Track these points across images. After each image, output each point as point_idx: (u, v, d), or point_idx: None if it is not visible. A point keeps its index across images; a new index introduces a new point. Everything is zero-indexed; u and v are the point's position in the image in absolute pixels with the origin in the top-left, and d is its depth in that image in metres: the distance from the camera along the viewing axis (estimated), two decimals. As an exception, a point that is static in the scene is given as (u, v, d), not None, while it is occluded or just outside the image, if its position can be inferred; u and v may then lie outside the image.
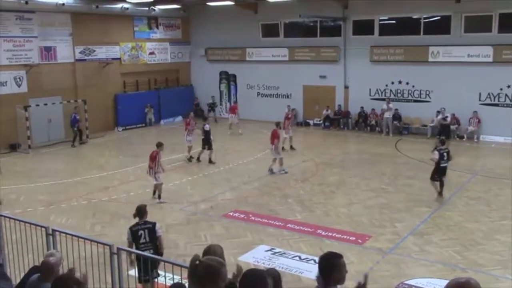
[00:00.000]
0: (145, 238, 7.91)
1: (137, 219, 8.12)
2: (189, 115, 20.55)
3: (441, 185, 13.83)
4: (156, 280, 8.02)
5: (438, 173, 13.75)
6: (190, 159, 18.68)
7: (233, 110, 25.09)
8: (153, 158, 13.92)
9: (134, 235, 7.91)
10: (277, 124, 17.64)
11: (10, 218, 8.12)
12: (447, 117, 21.30)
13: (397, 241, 11.00)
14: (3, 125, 21.01)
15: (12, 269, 7.65)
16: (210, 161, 18.29)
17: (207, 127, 18.40)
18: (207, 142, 18.36)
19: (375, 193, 14.62)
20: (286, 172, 16.77)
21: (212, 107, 28.71)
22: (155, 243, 7.98)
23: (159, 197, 14.05)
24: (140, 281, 7.86)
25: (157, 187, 14.11)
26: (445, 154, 13.64)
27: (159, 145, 14.26)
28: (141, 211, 8.14)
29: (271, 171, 16.82)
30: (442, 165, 13.65)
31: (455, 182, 15.33)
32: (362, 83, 24.70)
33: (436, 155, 13.65)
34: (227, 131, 24.09)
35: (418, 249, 10.55)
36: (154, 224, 8.07)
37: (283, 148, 19.26)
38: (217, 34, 28.30)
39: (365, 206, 13.51)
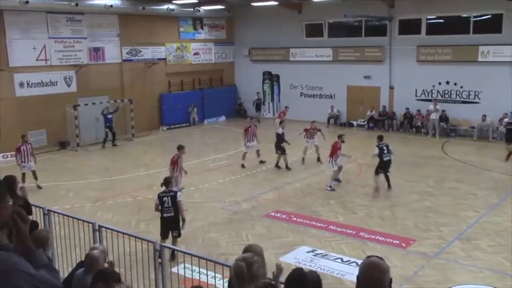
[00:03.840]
0: (168, 203, 9.97)
1: (164, 188, 10.14)
2: (250, 121, 19.54)
3: (387, 179, 14.67)
4: (176, 237, 10.18)
5: (382, 167, 14.51)
6: (262, 161, 17.98)
7: (282, 115, 24.14)
8: (174, 162, 13.34)
9: (160, 200, 10.02)
10: (339, 136, 15.73)
11: (59, 213, 8.39)
12: None
13: (442, 245, 10.73)
14: (53, 124, 21.75)
15: (60, 263, 7.88)
16: (277, 166, 17.49)
17: (280, 130, 17.66)
18: (279, 147, 17.44)
19: (420, 196, 14.30)
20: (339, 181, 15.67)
21: (258, 105, 28.44)
22: (176, 207, 9.97)
23: None
24: (161, 236, 9.89)
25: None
26: (384, 148, 14.54)
27: (180, 148, 13.65)
28: (167, 181, 10.26)
29: (338, 180, 15.55)
30: (385, 159, 14.48)
31: (504, 187, 14.82)
32: (408, 83, 24.22)
33: (376, 150, 14.50)
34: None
35: (464, 254, 10.25)
36: (176, 192, 10.14)
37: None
38: (260, 34, 28.37)
39: (409, 209, 13.24)
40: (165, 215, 10.07)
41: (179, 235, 10.21)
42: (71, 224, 8.02)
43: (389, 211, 13.12)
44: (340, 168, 15.38)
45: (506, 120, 20.87)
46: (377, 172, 14.55)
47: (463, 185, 15.25)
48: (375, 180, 14.55)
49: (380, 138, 15.07)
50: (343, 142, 15.62)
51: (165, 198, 10.00)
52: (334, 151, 15.18)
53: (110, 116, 22.24)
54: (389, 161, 14.66)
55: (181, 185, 13.46)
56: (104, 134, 22.29)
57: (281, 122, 18.03)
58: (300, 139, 18.62)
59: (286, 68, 28.33)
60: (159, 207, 10.09)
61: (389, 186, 14.75)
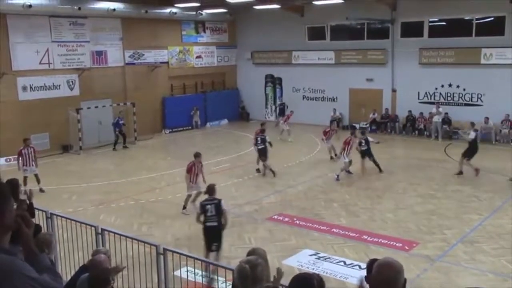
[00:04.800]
0: (211, 211, 9.28)
1: (207, 196, 9.56)
2: (330, 126, 20.24)
3: (376, 164, 17.16)
4: (218, 251, 9.38)
5: (362, 155, 17.20)
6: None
7: (287, 118, 24.14)
8: (189, 169, 13.24)
9: (203, 208, 9.36)
10: (352, 132, 17.61)
11: (62, 217, 8.40)
12: None
13: (446, 248, 10.71)
14: (56, 127, 21.80)
15: (62, 267, 7.89)
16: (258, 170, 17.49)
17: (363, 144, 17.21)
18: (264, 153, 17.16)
19: (423, 198, 14.28)
20: (338, 178, 16.47)
21: (282, 110, 27.86)
22: (220, 217, 9.29)
23: (184, 207, 13.30)
24: (206, 248, 9.41)
25: (191, 196, 13.27)
26: (363, 141, 17.11)
27: (196, 155, 13.46)
28: (210, 189, 9.59)
29: (349, 172, 16.96)
30: (362, 148, 17.13)
31: (507, 189, 14.78)
32: (410, 86, 24.21)
33: (356, 143, 17.14)
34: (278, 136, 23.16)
35: (468, 257, 10.22)
36: (220, 200, 9.39)
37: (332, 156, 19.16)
38: (263, 37, 28.40)
39: (412, 212, 13.22)
40: (207, 224, 9.32)
41: (218, 248, 9.32)
42: (74, 227, 8.03)
43: (392, 214, 13.10)
44: (350, 161, 16.66)
45: None
46: (363, 156, 17.29)
47: (466, 187, 15.22)
48: (343, 164, 16.84)
49: (363, 133, 17.92)
50: (355, 137, 17.02)
51: (208, 206, 9.33)
52: (345, 145, 16.59)
53: (122, 122, 22.47)
54: (367, 150, 17.16)
55: (192, 192, 13.24)
56: (115, 136, 22.36)
57: (263, 131, 17.93)
58: (305, 140, 18.65)
59: (289, 71, 28.35)
60: (201, 217, 9.36)
61: (379, 170, 17.12)
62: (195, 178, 13.23)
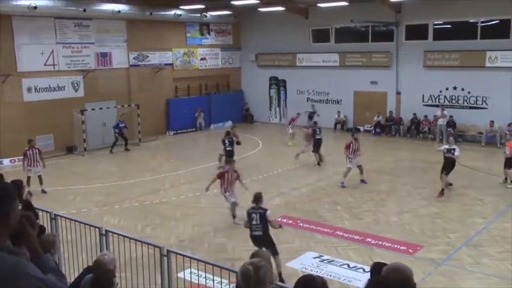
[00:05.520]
0: (256, 220, 9.29)
1: (253, 204, 9.54)
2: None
3: (319, 157, 18.46)
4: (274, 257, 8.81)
5: (317, 145, 18.49)
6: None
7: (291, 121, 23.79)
8: (220, 177, 12.78)
9: (248, 217, 9.41)
10: (353, 134, 16.60)
11: (66, 218, 8.41)
12: None
13: (450, 252, 10.66)
14: (61, 128, 21.85)
15: (66, 268, 7.89)
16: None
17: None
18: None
19: (427, 201, 14.23)
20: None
21: (311, 116, 26.14)
22: (266, 225, 9.27)
23: (233, 216, 12.62)
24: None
25: (232, 207, 12.70)
26: (317, 129, 18.69)
27: (229, 162, 13.15)
28: (256, 198, 9.59)
29: (363, 181, 16.10)
30: (317, 137, 18.43)
31: (511, 193, 14.74)
32: (415, 89, 24.17)
33: (309, 131, 18.85)
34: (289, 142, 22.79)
35: (472, 261, 10.17)
36: (265, 210, 9.38)
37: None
38: (267, 39, 28.42)
39: (416, 215, 13.18)
40: (253, 233, 9.40)
41: (274, 252, 8.97)
42: (78, 229, 8.04)
43: (396, 217, 13.06)
44: (360, 167, 16.08)
45: None
46: (315, 150, 18.55)
47: (470, 191, 15.16)
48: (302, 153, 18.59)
49: (315, 123, 19.85)
50: (355, 139, 16.21)
51: (253, 215, 9.35)
52: (346, 149, 15.99)
53: (122, 125, 22.25)
54: (320, 139, 18.58)
55: (231, 199, 12.52)
56: (114, 138, 22.14)
57: (228, 133, 18.12)
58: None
59: (293, 73, 28.35)
60: (248, 224, 9.48)
61: (319, 162, 18.51)
62: (229, 186, 12.46)
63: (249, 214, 9.47)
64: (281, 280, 8.84)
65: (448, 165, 14.54)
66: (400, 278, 2.89)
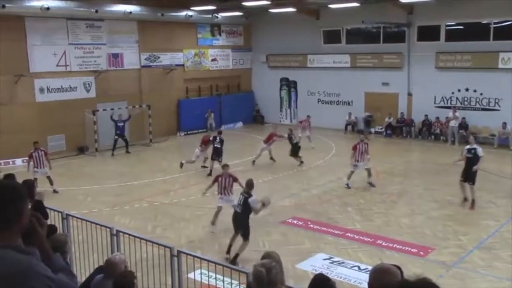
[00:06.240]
0: (240, 201, 10.50)
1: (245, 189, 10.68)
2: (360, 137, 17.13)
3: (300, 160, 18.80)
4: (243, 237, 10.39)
5: (295, 151, 18.88)
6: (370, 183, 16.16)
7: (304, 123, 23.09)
8: (214, 180, 12.66)
9: (238, 197, 10.75)
10: (362, 138, 16.14)
11: (77, 218, 8.45)
12: None
13: (462, 254, 10.57)
14: (72, 129, 21.98)
15: (77, 268, 7.93)
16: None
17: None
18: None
19: (439, 204, 14.13)
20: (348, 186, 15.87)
21: (368, 122, 25.64)
22: (246, 208, 10.29)
23: (212, 223, 12.33)
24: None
25: (216, 212, 12.43)
26: (292, 136, 19.17)
27: (224, 167, 12.89)
28: (248, 184, 10.70)
29: (370, 184, 15.83)
30: (293, 142, 19.06)
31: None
32: (426, 90, 24.01)
33: (285, 137, 18.96)
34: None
35: (484, 264, 10.08)
36: (251, 196, 10.32)
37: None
38: (278, 40, 28.39)
39: (428, 217, 13.08)
40: (235, 209, 10.76)
41: (245, 236, 10.37)
42: (89, 229, 8.08)
43: (407, 219, 12.98)
44: (369, 170, 15.83)
45: None
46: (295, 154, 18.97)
47: (483, 193, 14.98)
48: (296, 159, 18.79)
49: (290, 131, 19.47)
50: (362, 141, 15.91)
51: (240, 196, 10.59)
52: (353, 150, 15.81)
53: (121, 124, 21.79)
54: (297, 143, 19.18)
55: (219, 204, 12.26)
56: (113, 141, 21.74)
57: (220, 132, 18.87)
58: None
59: (304, 74, 28.30)
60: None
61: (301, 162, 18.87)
62: (222, 190, 12.26)
63: (241, 193, 10.71)
64: (234, 262, 9.82)
65: (470, 169, 13.48)
66: (390, 280, 2.87)
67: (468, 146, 14.02)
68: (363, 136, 16.57)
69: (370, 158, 16.12)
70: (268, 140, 19.31)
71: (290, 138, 19.12)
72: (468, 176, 13.63)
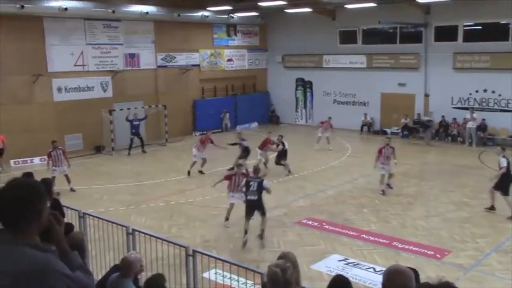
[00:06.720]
0: (254, 187, 11.05)
1: (253, 175, 11.52)
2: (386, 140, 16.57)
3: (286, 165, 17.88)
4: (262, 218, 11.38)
5: (284, 156, 18.03)
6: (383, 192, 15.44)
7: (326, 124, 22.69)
8: (227, 178, 13.02)
9: (247, 184, 11.24)
10: (387, 143, 15.63)
11: (94, 216, 8.51)
12: None
13: (479, 257, 10.44)
14: (89, 128, 22.19)
15: (94, 266, 7.99)
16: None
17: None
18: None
19: (456, 206, 13.98)
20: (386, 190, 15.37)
21: (427, 126, 23.81)
22: (260, 192, 11.05)
23: (226, 218, 12.61)
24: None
25: (229, 208, 12.75)
26: (280, 143, 18.12)
27: (238, 166, 13.38)
28: (256, 169, 11.70)
29: (388, 185, 15.34)
30: (285, 148, 18.08)
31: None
32: (443, 91, 23.79)
33: (274, 146, 18.06)
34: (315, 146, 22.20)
35: (502, 267, 9.94)
36: (263, 180, 11.19)
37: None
38: (294, 41, 28.35)
39: (445, 219, 12.95)
40: (249, 197, 11.16)
41: (263, 213, 11.27)
42: (105, 227, 8.13)
43: (424, 221, 12.86)
44: (385, 174, 15.28)
45: None
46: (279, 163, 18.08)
47: (500, 196, 14.78)
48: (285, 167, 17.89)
49: (282, 136, 18.63)
50: (387, 144, 15.46)
51: (251, 183, 11.12)
52: (378, 154, 15.38)
53: (136, 123, 21.91)
54: (286, 150, 18.15)
55: (231, 201, 12.51)
56: (129, 141, 21.91)
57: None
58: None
59: (319, 75, 28.22)
60: (243, 190, 11.48)
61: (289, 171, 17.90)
62: (235, 188, 12.48)
63: (247, 182, 11.21)
64: (262, 236, 11.20)
65: (507, 179, 12.88)
66: (403, 281, 2.86)
67: (502, 157, 13.27)
68: (388, 140, 15.96)
69: (396, 163, 15.69)
70: (263, 146, 18.06)
71: (282, 144, 18.12)
72: (504, 186, 13.01)
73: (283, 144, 18.25)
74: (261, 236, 11.24)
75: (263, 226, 11.31)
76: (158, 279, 5.03)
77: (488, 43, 22.43)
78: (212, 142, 18.37)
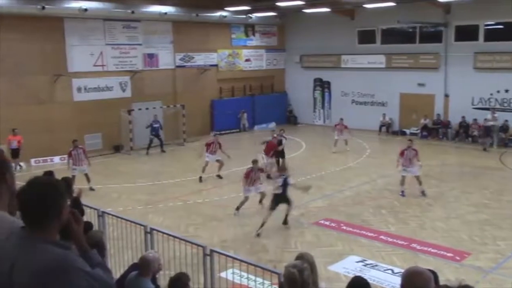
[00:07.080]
0: (280, 182, 12.10)
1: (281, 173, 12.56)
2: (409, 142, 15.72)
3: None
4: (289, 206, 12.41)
5: (280, 155, 17.78)
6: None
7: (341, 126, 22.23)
8: (246, 175, 13.45)
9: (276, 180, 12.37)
10: (409, 145, 15.10)
11: (112, 215, 8.59)
12: None
13: (499, 260, 10.28)
14: (108, 128, 22.39)
15: (112, 264, 8.05)
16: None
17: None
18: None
19: (476, 208, 13.79)
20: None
21: (465, 127, 22.97)
22: (286, 187, 12.18)
23: (237, 208, 13.34)
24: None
25: (243, 200, 13.48)
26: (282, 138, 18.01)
27: (253, 162, 13.81)
28: (282, 168, 13.35)
29: (423, 193, 14.90)
30: (280, 149, 17.71)
31: None
32: (464, 91, 23.48)
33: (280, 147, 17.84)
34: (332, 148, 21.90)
35: (524, 270, 9.79)
36: (288, 177, 12.29)
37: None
38: (312, 41, 28.25)
39: (464, 221, 12.78)
40: (275, 191, 12.15)
41: (290, 203, 12.37)
42: (124, 226, 8.20)
43: (443, 222, 12.71)
44: (406, 176, 14.96)
45: None
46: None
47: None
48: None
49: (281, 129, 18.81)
50: (409, 147, 14.96)
51: (279, 179, 12.19)
52: (400, 156, 15.11)
53: (157, 125, 22.10)
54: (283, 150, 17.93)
55: (246, 194, 13.44)
56: (148, 141, 22.08)
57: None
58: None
59: (337, 75, 28.09)
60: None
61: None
62: (252, 182, 13.57)
63: (276, 177, 12.43)
64: (286, 221, 12.46)
65: None
66: (422, 283, 2.84)
67: None
68: (410, 142, 15.33)
69: (421, 165, 15.33)
70: (269, 151, 17.28)
71: (280, 143, 17.73)
72: None
73: (282, 140, 17.89)
74: (285, 221, 12.41)
75: (288, 211, 12.39)
76: (181, 277, 5.08)
77: (510, 43, 22.08)
78: (220, 147, 17.56)
